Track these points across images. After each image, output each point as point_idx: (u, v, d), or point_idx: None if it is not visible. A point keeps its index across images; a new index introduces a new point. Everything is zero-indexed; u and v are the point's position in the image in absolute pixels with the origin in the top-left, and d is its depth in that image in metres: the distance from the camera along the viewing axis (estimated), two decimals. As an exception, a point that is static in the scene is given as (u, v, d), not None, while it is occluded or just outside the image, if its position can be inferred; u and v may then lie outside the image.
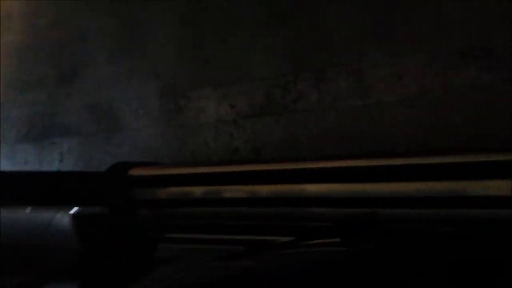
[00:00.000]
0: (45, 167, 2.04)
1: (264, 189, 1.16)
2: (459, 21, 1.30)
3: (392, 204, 0.97)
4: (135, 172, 1.28)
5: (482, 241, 0.73)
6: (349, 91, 1.44)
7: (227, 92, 1.66)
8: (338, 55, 1.46)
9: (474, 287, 0.62)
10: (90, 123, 1.94)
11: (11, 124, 2.18)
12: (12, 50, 2.19)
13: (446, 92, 1.31)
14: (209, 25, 1.69)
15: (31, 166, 2.08)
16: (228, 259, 0.64)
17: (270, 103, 1.57)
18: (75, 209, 0.58)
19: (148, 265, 0.58)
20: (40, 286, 0.54)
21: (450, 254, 0.71)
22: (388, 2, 1.39)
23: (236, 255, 0.67)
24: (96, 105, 1.93)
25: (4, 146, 2.20)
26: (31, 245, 0.60)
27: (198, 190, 1.25)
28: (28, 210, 0.69)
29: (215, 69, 1.68)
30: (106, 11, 1.91)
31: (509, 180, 0.82)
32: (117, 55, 1.89)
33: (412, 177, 1.00)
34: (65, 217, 0.56)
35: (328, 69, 1.47)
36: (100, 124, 1.92)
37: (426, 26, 1.34)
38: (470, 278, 0.63)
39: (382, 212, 0.82)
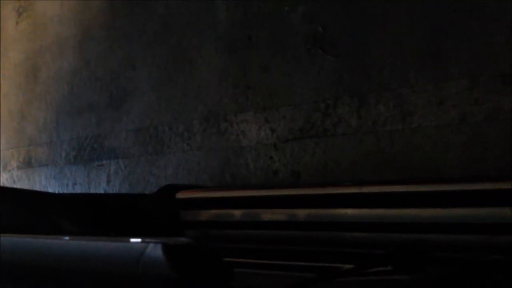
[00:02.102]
0: (93, 189, 2.12)
1: (305, 213, 1.18)
2: (502, 46, 1.30)
3: (436, 230, 0.97)
4: (182, 194, 1.34)
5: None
6: (389, 116, 1.45)
7: (267, 116, 1.70)
8: (378, 80, 1.48)
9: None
10: (137, 146, 2.02)
11: (61, 146, 2.29)
12: (63, 76, 2.31)
13: (488, 118, 1.31)
14: (252, 53, 1.75)
15: (80, 187, 2.17)
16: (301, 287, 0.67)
17: (310, 127, 1.60)
18: (165, 239, 0.61)
19: None
20: None
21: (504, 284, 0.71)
22: (429, 29, 1.41)
23: (308, 283, 0.69)
24: (142, 128, 2.01)
25: (54, 167, 2.30)
26: (124, 274, 0.62)
27: (240, 213, 1.28)
28: (115, 239, 0.71)
29: (257, 94, 1.73)
30: (155, 39, 2.00)
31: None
32: (164, 81, 1.97)
33: (456, 203, 1.00)
34: (157, 247, 0.58)
35: (368, 94, 1.49)
36: (146, 147, 1.99)
37: (468, 51, 1.35)
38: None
39: (427, 238, 0.83)
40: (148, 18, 2.02)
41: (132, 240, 0.65)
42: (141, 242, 0.63)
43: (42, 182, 2.34)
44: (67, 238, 0.81)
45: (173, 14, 1.95)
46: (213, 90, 1.83)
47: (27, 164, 2.43)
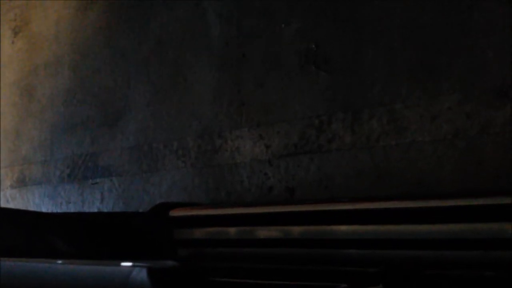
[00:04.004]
0: (87, 207, 2.11)
1: (300, 230, 1.17)
2: (493, 61, 1.31)
3: (430, 246, 0.96)
4: (175, 212, 1.33)
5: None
6: (383, 131, 1.45)
7: (262, 132, 1.70)
8: (371, 96, 1.48)
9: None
10: (131, 164, 2.01)
11: (55, 165, 2.28)
12: (58, 94, 2.32)
13: (481, 132, 1.31)
14: (246, 69, 1.75)
15: (73, 206, 2.16)
16: None
17: (305, 143, 1.60)
18: (150, 262, 0.61)
19: None
20: None
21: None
22: (421, 45, 1.42)
23: None
24: (137, 146, 2.01)
25: (47, 186, 2.29)
26: None
27: (234, 231, 1.27)
28: (103, 263, 0.72)
29: (251, 111, 1.73)
30: (150, 56, 2.01)
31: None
32: (159, 98, 1.98)
33: (450, 219, 0.99)
34: (143, 270, 0.59)
35: (362, 110, 1.49)
36: (140, 164, 1.99)
37: (459, 66, 1.36)
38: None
39: (421, 254, 0.82)
40: (143, 36, 2.03)
41: (118, 263, 0.65)
42: (127, 266, 0.63)
43: (36, 201, 2.33)
44: (60, 262, 0.82)
45: (167, 32, 1.96)
46: (208, 107, 1.83)
47: (21, 182, 2.42)
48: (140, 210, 1.90)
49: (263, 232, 1.23)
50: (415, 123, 1.40)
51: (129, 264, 0.63)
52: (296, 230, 1.17)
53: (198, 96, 1.86)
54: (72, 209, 2.15)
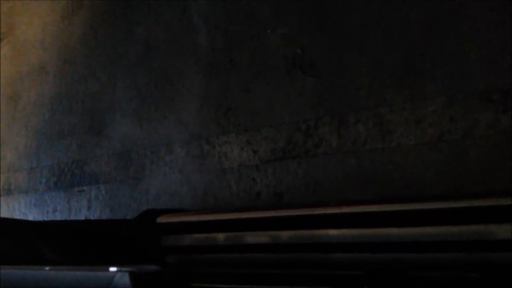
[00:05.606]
0: (73, 215, 2.09)
1: (288, 235, 1.18)
2: (477, 64, 1.33)
3: (416, 249, 0.97)
4: (163, 219, 1.32)
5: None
6: (369, 135, 1.46)
7: (249, 138, 1.70)
8: (357, 100, 1.50)
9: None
10: (118, 170, 2.00)
11: (41, 172, 2.26)
12: (44, 101, 2.30)
13: (465, 135, 1.33)
14: (233, 74, 1.76)
15: (60, 214, 2.14)
16: None
17: (292, 148, 1.61)
18: (134, 267, 0.61)
19: None
20: None
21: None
22: (406, 49, 1.44)
23: None
24: (124, 152, 2.00)
25: (34, 194, 2.27)
26: None
27: (223, 237, 1.27)
28: (85, 268, 0.71)
29: (238, 116, 1.73)
30: (137, 62, 2.01)
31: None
32: (145, 104, 1.97)
33: (436, 221, 1.00)
34: (125, 275, 0.58)
35: (348, 114, 1.50)
36: (127, 171, 1.98)
37: (443, 70, 1.38)
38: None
39: (406, 257, 0.82)
40: (130, 42, 2.03)
41: (102, 268, 0.65)
42: (111, 270, 0.62)
43: (22, 209, 2.30)
44: (47, 268, 0.81)
45: (154, 38, 1.96)
46: (195, 112, 1.83)
47: (7, 191, 2.39)
48: (128, 217, 1.89)
49: (251, 238, 1.23)
50: (400, 127, 1.41)
51: (113, 269, 0.63)
52: (284, 235, 1.17)
53: (185, 101, 1.86)
54: (58, 217, 2.14)
